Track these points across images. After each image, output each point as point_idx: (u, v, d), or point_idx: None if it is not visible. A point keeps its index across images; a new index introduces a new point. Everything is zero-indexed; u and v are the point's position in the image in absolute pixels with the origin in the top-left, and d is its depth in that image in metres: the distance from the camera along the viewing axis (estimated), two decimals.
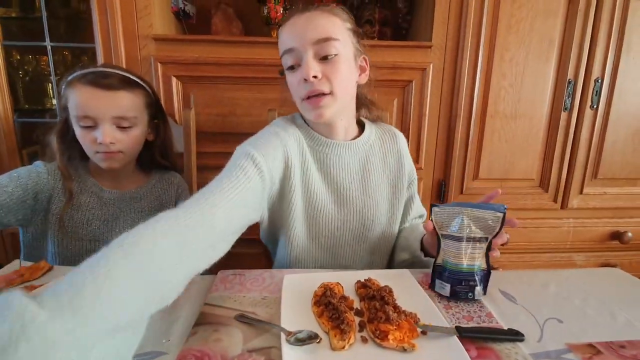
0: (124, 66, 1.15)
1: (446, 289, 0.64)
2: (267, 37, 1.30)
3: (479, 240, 0.63)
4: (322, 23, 0.67)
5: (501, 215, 0.62)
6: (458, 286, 0.63)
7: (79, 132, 0.80)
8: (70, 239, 0.83)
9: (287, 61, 0.70)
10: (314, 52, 0.67)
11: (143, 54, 1.16)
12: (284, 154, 0.71)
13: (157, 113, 0.90)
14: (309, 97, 0.69)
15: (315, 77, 0.66)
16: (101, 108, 0.77)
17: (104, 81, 0.77)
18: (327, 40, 0.66)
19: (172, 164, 0.98)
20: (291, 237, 0.77)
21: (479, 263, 0.64)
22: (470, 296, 0.63)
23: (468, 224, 0.63)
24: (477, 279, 0.63)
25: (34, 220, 0.82)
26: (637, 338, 0.54)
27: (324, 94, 0.69)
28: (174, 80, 1.18)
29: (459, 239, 0.64)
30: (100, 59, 1.14)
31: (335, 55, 0.68)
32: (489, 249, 0.64)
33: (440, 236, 0.67)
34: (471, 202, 0.65)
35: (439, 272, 0.66)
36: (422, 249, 0.76)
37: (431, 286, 0.67)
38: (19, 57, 1.44)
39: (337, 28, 0.69)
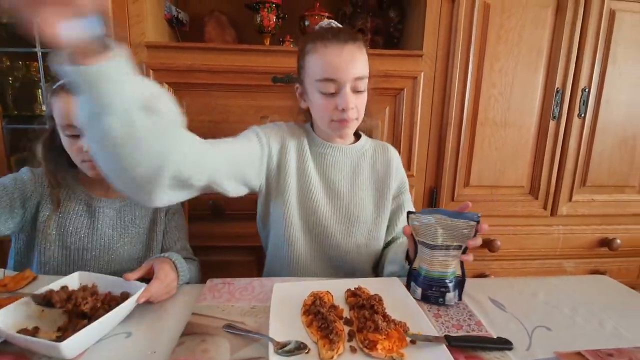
0: None
1: (417, 292, 0.66)
2: (260, 44, 1.31)
3: (453, 248, 0.65)
4: (360, 61, 0.77)
5: (474, 224, 0.63)
6: (429, 291, 0.65)
7: (65, 141, 0.79)
8: (56, 247, 0.81)
9: (328, 88, 0.77)
10: (351, 86, 0.77)
11: (135, 61, 1.15)
12: (282, 138, 0.84)
13: None
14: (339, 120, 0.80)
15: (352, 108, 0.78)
16: None
17: None
18: (362, 78, 0.78)
19: None
20: (286, 213, 0.84)
21: (453, 270, 0.66)
22: (441, 301, 0.65)
23: (442, 233, 0.65)
24: (450, 285, 0.64)
25: (25, 228, 0.82)
26: (625, 346, 0.54)
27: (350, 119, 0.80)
28: (166, 87, 1.17)
29: (432, 247, 0.65)
30: None
31: (363, 90, 0.80)
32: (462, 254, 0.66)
33: (416, 242, 0.68)
34: (446, 210, 0.67)
35: (414, 276, 0.68)
36: (407, 258, 0.78)
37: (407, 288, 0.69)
38: (8, 63, 1.43)
39: (367, 64, 0.79)
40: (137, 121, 0.47)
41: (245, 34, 1.44)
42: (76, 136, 0.77)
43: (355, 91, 0.78)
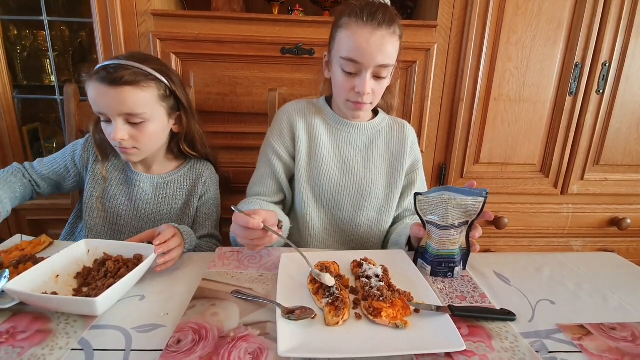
0: (122, 43, 1.13)
1: (427, 270, 0.66)
2: (268, 14, 1.27)
3: (461, 224, 0.65)
4: (389, 48, 0.75)
5: (482, 200, 0.63)
6: (438, 267, 0.65)
7: (102, 125, 0.81)
8: (96, 209, 0.86)
9: (349, 68, 0.76)
10: (373, 72, 0.76)
11: (141, 30, 1.13)
12: (291, 128, 0.88)
13: (178, 104, 0.87)
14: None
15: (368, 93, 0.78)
16: (108, 105, 0.76)
17: (111, 77, 0.74)
18: (386, 66, 0.76)
19: (202, 155, 0.96)
20: (298, 188, 0.88)
21: (460, 244, 0.66)
22: (449, 275, 0.65)
23: (452, 213, 0.64)
24: (457, 260, 0.65)
25: (80, 185, 0.91)
26: (629, 321, 0.55)
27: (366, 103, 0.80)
28: (173, 57, 1.16)
29: (441, 227, 0.65)
30: (98, 34, 1.12)
31: (385, 77, 0.78)
32: (470, 229, 0.66)
33: (424, 222, 0.68)
34: (453, 187, 0.66)
35: (422, 253, 0.68)
36: (409, 244, 0.79)
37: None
38: (16, 32, 1.41)
39: (396, 52, 0.77)
40: None
41: (254, 3, 1.40)
42: (107, 121, 0.79)
43: (377, 77, 0.77)
